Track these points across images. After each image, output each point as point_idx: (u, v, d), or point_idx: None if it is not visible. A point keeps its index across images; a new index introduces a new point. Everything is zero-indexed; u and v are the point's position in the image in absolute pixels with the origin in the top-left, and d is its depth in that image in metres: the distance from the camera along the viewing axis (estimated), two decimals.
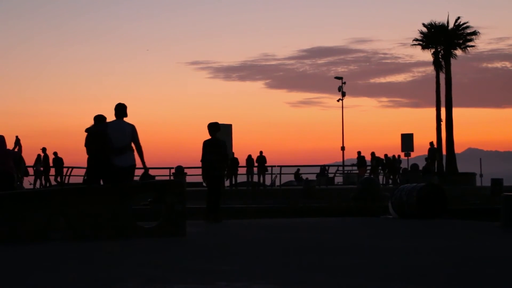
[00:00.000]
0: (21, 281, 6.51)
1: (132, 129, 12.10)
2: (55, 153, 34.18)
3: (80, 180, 36.91)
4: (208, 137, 14.96)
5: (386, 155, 40.57)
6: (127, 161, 12.03)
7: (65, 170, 35.57)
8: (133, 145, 12.11)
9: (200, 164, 15.22)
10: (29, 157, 35.20)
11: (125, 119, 12.26)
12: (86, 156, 12.81)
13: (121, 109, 12.20)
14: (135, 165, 12.14)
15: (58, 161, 34.30)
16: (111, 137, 12.02)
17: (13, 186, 14.80)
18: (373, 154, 39.89)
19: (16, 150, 15.22)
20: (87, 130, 12.72)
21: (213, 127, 14.92)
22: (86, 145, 12.70)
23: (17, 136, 15.29)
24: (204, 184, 16.29)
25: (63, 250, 9.39)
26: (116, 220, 10.95)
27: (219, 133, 18.99)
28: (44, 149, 33.92)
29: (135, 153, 12.18)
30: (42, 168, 33.97)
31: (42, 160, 33.65)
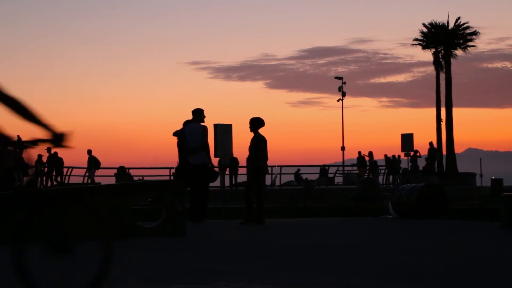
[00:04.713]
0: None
1: (203, 130, 13.88)
2: (55, 153, 34.20)
3: (80, 180, 36.94)
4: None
5: (386, 155, 40.61)
6: (199, 160, 13.84)
7: (65, 170, 35.61)
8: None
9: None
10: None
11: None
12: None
13: (196, 114, 13.96)
14: (206, 163, 14.01)
15: (58, 161, 34.33)
16: (187, 138, 13.88)
17: (13, 186, 14.83)
18: (370, 154, 39.91)
19: (18, 150, 15.25)
20: (174, 134, 14.51)
21: (252, 123, 14.08)
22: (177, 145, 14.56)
23: (18, 136, 15.31)
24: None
25: None
26: (116, 220, 10.94)
27: (220, 133, 19.09)
28: (49, 149, 33.85)
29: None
30: (45, 169, 33.97)
31: (47, 160, 33.71)
